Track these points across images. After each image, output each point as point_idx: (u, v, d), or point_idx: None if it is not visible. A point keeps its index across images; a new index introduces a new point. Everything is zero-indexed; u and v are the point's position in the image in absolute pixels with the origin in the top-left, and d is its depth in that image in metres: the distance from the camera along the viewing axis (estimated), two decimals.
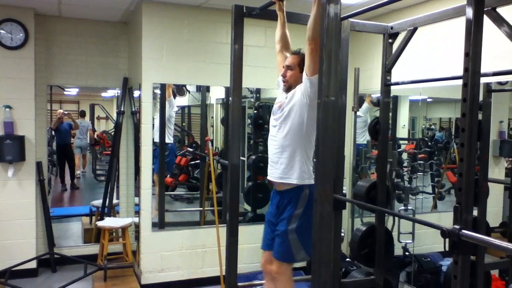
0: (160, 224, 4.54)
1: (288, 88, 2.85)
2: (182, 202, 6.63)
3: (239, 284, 3.09)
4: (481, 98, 3.21)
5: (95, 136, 12.42)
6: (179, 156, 6.55)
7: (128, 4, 4.27)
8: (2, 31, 4.34)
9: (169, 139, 5.46)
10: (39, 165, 4.67)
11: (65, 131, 9.08)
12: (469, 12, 1.81)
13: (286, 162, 2.79)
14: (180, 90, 5.74)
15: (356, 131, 4.53)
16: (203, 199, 5.61)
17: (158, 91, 4.77)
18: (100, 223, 4.61)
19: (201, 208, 5.65)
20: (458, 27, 2.18)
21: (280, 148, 2.80)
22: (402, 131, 4.89)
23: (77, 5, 4.36)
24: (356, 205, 4.37)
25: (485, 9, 1.91)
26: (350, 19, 2.90)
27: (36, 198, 4.60)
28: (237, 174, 3.03)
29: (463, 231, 1.61)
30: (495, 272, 3.67)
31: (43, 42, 4.72)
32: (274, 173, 2.86)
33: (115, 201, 5.27)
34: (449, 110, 5.04)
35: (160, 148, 4.85)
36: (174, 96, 5.54)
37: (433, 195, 4.68)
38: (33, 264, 4.51)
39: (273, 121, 2.90)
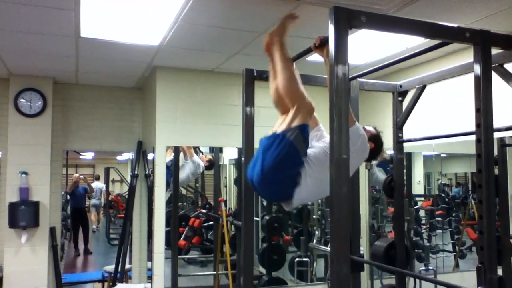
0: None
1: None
2: (196, 265, 6.49)
3: None
4: (495, 152, 3.18)
5: (109, 199, 12.57)
6: (193, 217, 6.49)
7: (143, 71, 4.43)
8: (22, 100, 4.48)
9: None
10: (52, 230, 4.65)
11: (80, 195, 9.14)
12: (477, 69, 1.84)
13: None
14: (210, 161, 5.69)
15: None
16: (217, 262, 5.48)
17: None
18: None
19: (215, 272, 5.51)
20: (467, 82, 2.20)
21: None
22: (417, 188, 4.81)
23: (93, 72, 4.53)
24: (374, 266, 4.23)
25: (492, 66, 1.93)
26: (359, 79, 2.96)
27: (48, 264, 4.55)
28: (250, 235, 2.97)
29: None
30: None
31: (60, 108, 4.86)
32: None
33: (127, 265, 5.17)
34: (464, 165, 4.97)
35: (173, 209, 4.82)
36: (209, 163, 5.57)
37: (454, 253, 4.52)
38: None
39: None
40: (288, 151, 2.25)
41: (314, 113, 2.65)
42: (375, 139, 2.55)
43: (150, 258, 4.56)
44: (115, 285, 4.81)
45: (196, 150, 5.92)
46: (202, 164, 5.47)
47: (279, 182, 2.26)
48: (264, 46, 2.47)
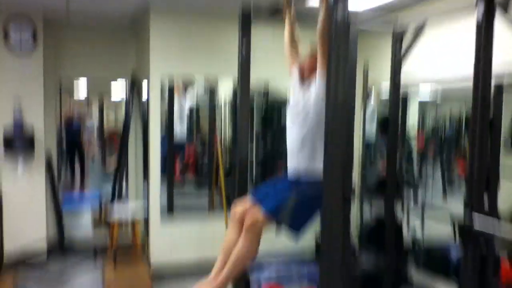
0: (169, 214, 4.59)
1: (304, 83, 2.82)
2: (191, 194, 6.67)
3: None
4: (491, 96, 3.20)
5: (105, 137, 12.69)
6: (187, 152, 6.60)
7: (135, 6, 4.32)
8: (12, 35, 4.41)
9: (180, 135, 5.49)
10: (48, 161, 4.74)
11: (75, 131, 9.22)
12: (480, 11, 1.81)
13: (307, 157, 2.73)
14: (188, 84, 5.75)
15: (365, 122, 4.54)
16: (212, 191, 5.63)
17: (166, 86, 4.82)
18: (109, 217, 4.66)
19: (210, 196, 5.68)
20: (468, 25, 2.18)
21: (301, 143, 2.75)
22: (412, 128, 4.87)
23: (85, 11, 4.45)
24: (365, 198, 4.38)
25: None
26: (358, 19, 2.90)
27: (46, 191, 4.70)
28: (246, 169, 3.04)
29: (474, 228, 1.61)
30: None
31: (52, 44, 4.78)
32: (294, 168, 2.78)
33: (124, 195, 5.33)
34: (459, 107, 5.01)
35: (168, 143, 4.88)
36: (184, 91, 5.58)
37: (443, 189, 4.67)
38: (44, 250, 4.59)
39: (292, 116, 2.83)
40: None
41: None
42: None
43: (146, 192, 4.69)
44: (112, 213, 4.96)
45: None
46: (187, 100, 5.49)
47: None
48: None
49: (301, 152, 2.73)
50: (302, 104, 2.77)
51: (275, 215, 2.61)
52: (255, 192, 2.85)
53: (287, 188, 2.72)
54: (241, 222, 2.70)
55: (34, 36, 4.47)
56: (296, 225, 2.64)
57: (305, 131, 2.72)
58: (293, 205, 2.60)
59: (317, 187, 2.62)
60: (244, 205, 2.74)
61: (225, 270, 2.60)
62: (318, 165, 2.62)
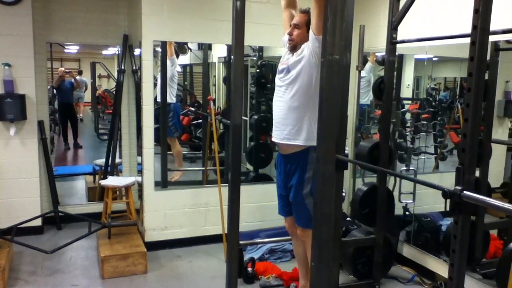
0: (163, 183, 4.58)
1: (294, 47, 2.79)
2: (185, 161, 6.66)
3: (241, 242, 3.15)
4: (488, 57, 3.15)
5: (97, 95, 12.64)
6: (181, 115, 6.53)
7: None
8: None
9: (171, 99, 5.41)
10: (41, 124, 4.66)
11: (67, 90, 9.04)
12: None
13: (293, 124, 2.75)
14: (181, 48, 5.65)
15: (360, 90, 4.48)
16: (205, 158, 5.63)
17: (159, 49, 4.70)
18: (103, 182, 4.65)
19: (204, 168, 5.68)
20: None
21: (288, 109, 2.76)
22: (406, 91, 4.83)
23: None
24: (358, 165, 4.38)
25: None
26: None
27: (39, 156, 4.61)
28: (239, 134, 2.99)
29: (464, 192, 1.60)
30: (494, 232, 3.71)
31: None
32: (280, 135, 2.83)
33: (118, 160, 5.29)
34: (455, 70, 4.96)
35: (161, 107, 4.82)
36: (177, 55, 5.44)
37: (436, 155, 4.68)
38: (38, 222, 4.57)
39: (278, 81, 2.84)
40: None
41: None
42: None
43: (140, 153, 4.65)
44: (106, 177, 4.95)
45: (184, 46, 5.77)
46: (176, 61, 5.35)
47: None
48: None
49: (287, 119, 2.74)
50: (293, 67, 2.73)
51: (311, 223, 2.80)
52: (279, 202, 3.11)
53: (292, 183, 2.85)
54: (296, 235, 3.05)
55: None
56: None
57: (293, 99, 2.72)
58: (312, 201, 2.77)
59: (310, 158, 2.69)
60: (287, 220, 3.12)
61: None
62: (304, 131, 2.66)
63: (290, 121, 2.75)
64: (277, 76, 2.86)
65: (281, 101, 2.80)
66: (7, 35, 4.32)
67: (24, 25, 4.36)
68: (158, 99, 4.83)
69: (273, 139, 2.91)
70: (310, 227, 2.82)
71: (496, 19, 1.98)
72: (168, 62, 5.02)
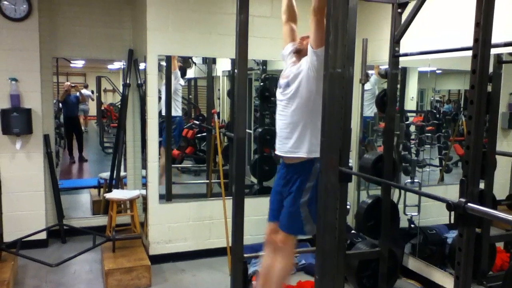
0: (167, 196, 4.58)
1: (299, 51, 2.81)
2: (189, 174, 6.67)
3: (245, 255, 3.13)
4: (491, 69, 3.16)
5: (102, 109, 12.73)
6: (186, 128, 6.55)
7: None
8: (5, 3, 4.28)
9: (176, 112, 5.44)
10: (46, 137, 4.69)
11: (72, 103, 9.11)
12: None
13: (295, 137, 2.75)
14: (186, 61, 5.69)
15: (364, 103, 4.49)
16: (209, 171, 5.64)
17: (163, 63, 4.73)
18: (108, 195, 4.66)
19: (208, 181, 5.68)
20: None
21: (289, 124, 2.77)
22: (410, 103, 4.83)
23: None
24: (362, 177, 4.37)
25: None
26: None
27: (44, 170, 4.64)
28: (243, 146, 3.02)
29: (469, 204, 1.60)
30: (500, 245, 3.68)
31: (47, 13, 4.66)
32: (283, 148, 2.84)
33: (122, 173, 5.31)
34: (459, 82, 4.97)
35: (166, 121, 4.84)
36: (181, 69, 5.49)
37: (440, 167, 4.66)
38: (43, 235, 4.58)
39: (280, 95, 2.85)
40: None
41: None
42: None
43: (144, 166, 4.66)
44: (110, 191, 4.96)
45: (189, 60, 5.81)
46: (179, 75, 5.40)
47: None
48: None
49: (290, 133, 2.76)
50: (292, 82, 2.75)
51: (297, 231, 2.85)
52: (271, 206, 3.04)
53: (292, 190, 2.83)
54: (273, 243, 2.95)
55: (29, 6, 4.35)
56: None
57: (294, 113, 2.74)
58: (307, 210, 2.78)
59: (313, 168, 2.70)
60: (270, 225, 3.00)
61: None
62: (306, 143, 2.68)
63: (292, 134, 2.76)
64: (278, 91, 2.87)
65: (283, 115, 2.82)
66: (14, 50, 4.38)
67: (31, 40, 4.42)
68: (163, 113, 4.86)
69: (276, 152, 2.91)
70: (293, 233, 2.85)
71: (498, 32, 1.99)
72: (172, 76, 5.06)
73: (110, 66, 11.33)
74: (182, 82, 5.64)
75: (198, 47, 4.33)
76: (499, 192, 3.54)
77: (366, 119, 4.73)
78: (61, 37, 4.79)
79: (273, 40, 4.38)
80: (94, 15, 4.88)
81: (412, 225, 4.11)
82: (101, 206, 5.34)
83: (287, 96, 2.78)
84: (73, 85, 9.48)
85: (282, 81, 2.85)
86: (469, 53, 1.83)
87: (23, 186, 4.51)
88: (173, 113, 5.18)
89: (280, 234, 2.88)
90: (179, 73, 5.34)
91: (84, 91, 11.88)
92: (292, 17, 2.97)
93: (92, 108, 13.21)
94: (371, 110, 4.82)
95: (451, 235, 3.90)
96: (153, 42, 4.15)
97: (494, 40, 1.86)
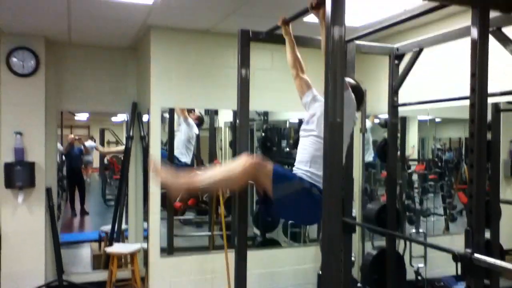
0: (169, 250, 4.50)
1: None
2: (191, 226, 6.58)
3: None
4: (489, 118, 3.19)
5: (105, 161, 12.77)
6: None
7: (136, 30, 4.35)
8: (14, 59, 4.42)
9: (185, 158, 5.44)
10: (48, 191, 4.68)
11: (75, 156, 9.17)
12: (474, 32, 1.81)
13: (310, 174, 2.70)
14: (200, 119, 5.66)
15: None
16: (212, 223, 5.57)
17: (167, 115, 4.80)
18: (108, 249, 4.59)
19: (210, 233, 5.60)
20: (465, 46, 2.18)
21: (305, 162, 2.71)
22: (411, 151, 4.84)
23: (86, 32, 4.45)
24: (366, 228, 4.31)
25: (490, 29, 1.91)
26: (356, 41, 2.92)
27: (45, 224, 4.60)
28: (245, 197, 3.00)
29: (475, 255, 1.57)
30: None
31: (54, 69, 4.79)
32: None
33: (124, 226, 5.25)
34: (459, 130, 4.99)
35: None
36: (198, 120, 5.50)
37: (445, 216, 4.60)
38: (42, 285, 4.47)
39: (301, 133, 2.84)
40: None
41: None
42: (355, 90, 2.53)
43: (146, 218, 4.62)
44: (111, 244, 4.89)
45: (202, 117, 5.89)
46: (194, 124, 5.43)
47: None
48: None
49: (305, 168, 2.69)
50: (308, 123, 2.75)
51: (277, 181, 2.48)
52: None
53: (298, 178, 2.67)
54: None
55: (37, 62, 4.49)
56: (278, 209, 2.58)
57: (309, 150, 2.69)
58: (294, 190, 2.52)
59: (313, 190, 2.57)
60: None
61: (209, 173, 2.52)
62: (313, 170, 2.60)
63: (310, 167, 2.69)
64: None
65: (301, 149, 2.77)
66: (20, 105, 4.47)
67: (37, 95, 4.53)
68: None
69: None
70: (275, 176, 2.47)
71: (495, 81, 2.03)
72: (184, 125, 5.11)
73: (113, 119, 11.48)
74: (196, 131, 5.66)
75: (201, 99, 4.41)
76: (506, 242, 3.48)
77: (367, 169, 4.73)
78: (66, 91, 4.90)
79: (275, 92, 4.46)
80: (99, 69, 5.02)
81: (419, 277, 4.01)
82: (102, 261, 5.24)
83: (305, 135, 2.75)
84: (77, 137, 9.57)
85: (304, 120, 2.84)
86: (467, 102, 1.86)
87: (24, 241, 4.46)
88: (183, 159, 5.19)
89: (264, 161, 2.54)
90: (191, 120, 5.36)
91: (88, 143, 11.97)
92: (301, 69, 2.99)
93: (95, 159, 13.27)
94: (367, 154, 4.83)
95: (460, 287, 3.79)
96: (156, 95, 4.23)
97: (490, 90, 1.90)
